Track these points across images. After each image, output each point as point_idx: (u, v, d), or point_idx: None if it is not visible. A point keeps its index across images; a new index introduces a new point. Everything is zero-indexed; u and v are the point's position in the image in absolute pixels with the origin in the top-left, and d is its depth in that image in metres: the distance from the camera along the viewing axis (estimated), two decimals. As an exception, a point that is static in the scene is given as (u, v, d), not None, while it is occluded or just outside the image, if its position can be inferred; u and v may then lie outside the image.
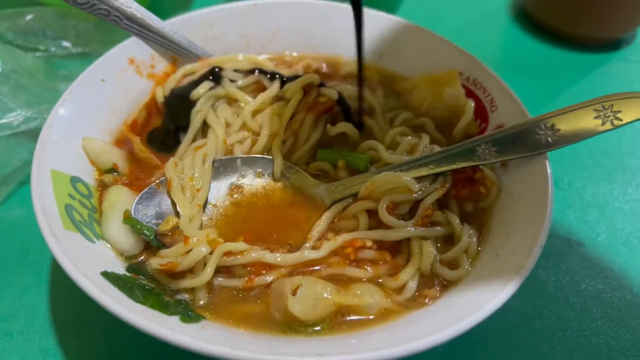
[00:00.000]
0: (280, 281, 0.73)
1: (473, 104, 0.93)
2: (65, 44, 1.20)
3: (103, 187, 0.83)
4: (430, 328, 0.63)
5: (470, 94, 0.95)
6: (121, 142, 0.90)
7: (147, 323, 0.59)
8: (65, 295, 0.82)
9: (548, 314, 0.85)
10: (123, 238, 0.75)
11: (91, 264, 0.68)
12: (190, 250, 0.71)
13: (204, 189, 0.81)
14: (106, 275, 0.67)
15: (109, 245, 0.75)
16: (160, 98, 0.92)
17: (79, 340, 0.77)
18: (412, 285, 0.74)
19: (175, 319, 0.66)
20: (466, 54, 0.98)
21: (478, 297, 0.67)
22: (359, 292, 0.72)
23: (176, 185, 0.80)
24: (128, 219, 0.76)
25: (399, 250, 0.78)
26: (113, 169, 0.85)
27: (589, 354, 0.81)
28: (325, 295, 0.70)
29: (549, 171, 0.77)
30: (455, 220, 0.80)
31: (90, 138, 0.85)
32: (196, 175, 0.82)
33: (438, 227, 0.79)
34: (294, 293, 0.69)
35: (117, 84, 0.92)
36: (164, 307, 0.67)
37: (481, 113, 0.93)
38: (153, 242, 0.75)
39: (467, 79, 0.96)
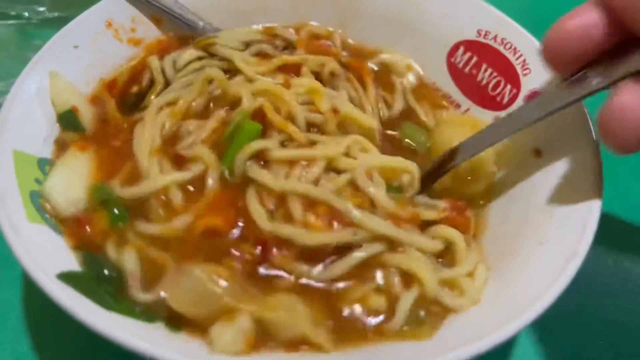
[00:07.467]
0: None
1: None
2: (40, 8, 1.09)
3: (62, 146, 0.73)
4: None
5: (497, 55, 0.84)
6: (95, 99, 0.80)
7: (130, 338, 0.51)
8: (41, 293, 0.73)
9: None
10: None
11: (58, 262, 0.59)
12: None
13: None
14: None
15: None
16: (155, 65, 0.82)
17: (57, 343, 0.70)
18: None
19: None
20: (488, 8, 0.86)
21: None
22: None
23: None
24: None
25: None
26: (71, 112, 0.74)
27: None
28: None
29: (590, 126, 0.68)
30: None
31: (57, 74, 0.75)
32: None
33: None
34: None
35: (93, 51, 0.81)
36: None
37: (512, 77, 0.82)
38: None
39: (494, 39, 0.84)
